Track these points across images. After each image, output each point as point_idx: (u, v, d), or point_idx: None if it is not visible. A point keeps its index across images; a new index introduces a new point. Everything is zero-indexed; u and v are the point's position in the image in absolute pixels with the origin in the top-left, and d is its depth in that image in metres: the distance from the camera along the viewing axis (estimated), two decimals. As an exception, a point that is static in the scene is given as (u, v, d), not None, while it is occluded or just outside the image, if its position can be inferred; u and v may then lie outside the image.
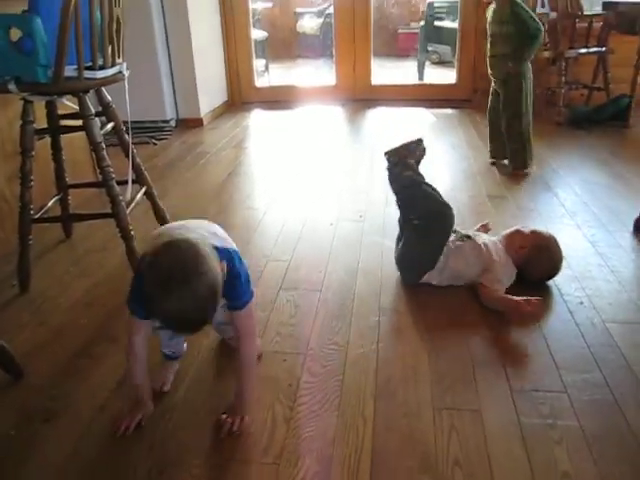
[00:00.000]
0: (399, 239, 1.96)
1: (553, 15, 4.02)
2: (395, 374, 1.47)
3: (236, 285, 1.24)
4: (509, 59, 2.78)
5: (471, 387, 1.42)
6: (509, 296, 1.72)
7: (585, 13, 4.15)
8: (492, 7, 2.83)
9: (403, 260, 1.93)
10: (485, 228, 2.12)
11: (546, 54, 3.93)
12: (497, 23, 2.79)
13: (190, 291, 1.05)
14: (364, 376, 1.46)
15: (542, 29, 2.70)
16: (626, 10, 3.79)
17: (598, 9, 4.19)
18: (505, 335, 1.63)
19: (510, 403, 1.36)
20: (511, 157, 2.97)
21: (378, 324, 1.68)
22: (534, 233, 1.92)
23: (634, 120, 3.75)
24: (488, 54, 2.90)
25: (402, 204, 1.93)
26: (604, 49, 3.94)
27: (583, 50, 3.95)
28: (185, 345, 1.53)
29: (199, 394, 1.42)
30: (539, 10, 4.00)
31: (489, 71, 2.94)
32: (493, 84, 2.96)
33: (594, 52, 3.98)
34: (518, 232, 1.93)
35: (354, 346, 1.57)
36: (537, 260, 1.86)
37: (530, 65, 2.84)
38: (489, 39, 2.88)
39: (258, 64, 5.21)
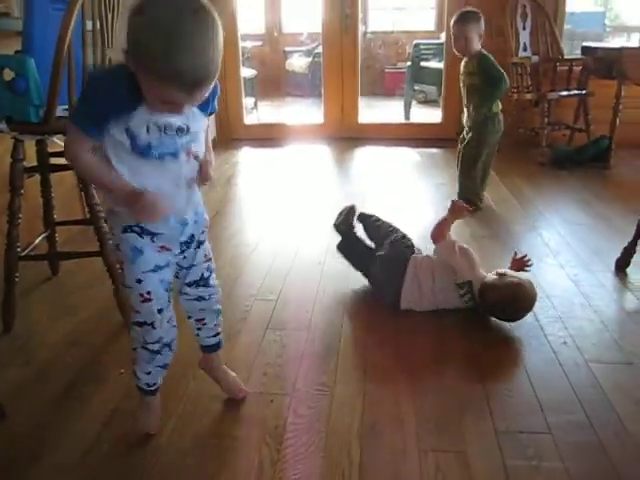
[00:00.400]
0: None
1: (535, 59, 4.16)
2: (381, 415, 1.47)
3: (216, 90, 1.18)
4: (477, 107, 2.90)
5: (456, 428, 1.42)
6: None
7: (565, 57, 4.29)
8: (464, 60, 2.97)
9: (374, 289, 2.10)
10: None
11: (529, 96, 4.04)
12: (467, 75, 2.94)
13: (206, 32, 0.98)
14: (350, 417, 1.46)
15: (505, 79, 2.81)
16: (603, 56, 3.91)
17: (578, 52, 4.33)
18: (489, 374, 1.65)
19: (495, 444, 1.36)
20: (460, 192, 3.06)
21: (364, 364, 1.68)
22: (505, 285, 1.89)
23: (614, 161, 3.84)
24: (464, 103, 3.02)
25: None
26: (584, 92, 4.06)
27: (564, 92, 4.07)
28: (163, 374, 1.45)
29: (185, 436, 1.42)
30: (522, 54, 4.14)
31: (463, 119, 3.07)
32: (464, 132, 3.06)
33: (575, 95, 4.10)
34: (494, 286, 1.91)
35: (340, 387, 1.57)
36: (502, 309, 1.90)
37: (499, 116, 2.94)
38: (462, 90, 3.01)
39: (247, 102, 5.29)
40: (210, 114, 1.25)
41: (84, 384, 1.62)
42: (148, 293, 1.27)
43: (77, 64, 1.74)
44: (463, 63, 2.98)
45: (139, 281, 1.26)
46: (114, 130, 1.10)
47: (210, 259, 1.41)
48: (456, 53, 2.97)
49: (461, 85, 3.02)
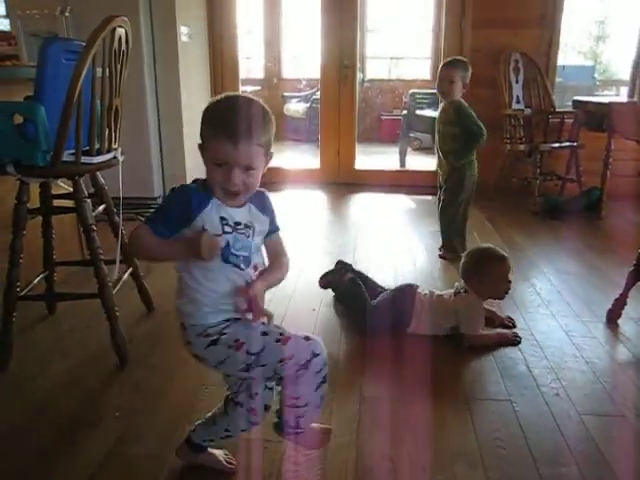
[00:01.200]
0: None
1: (528, 111, 4.28)
2: (374, 465, 1.48)
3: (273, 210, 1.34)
4: (453, 155, 2.96)
5: (448, 478, 1.43)
6: (487, 333, 2.16)
7: (557, 110, 4.41)
8: (442, 104, 3.03)
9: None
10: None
11: (522, 147, 4.14)
12: (443, 123, 2.99)
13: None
14: (344, 466, 1.46)
15: (484, 133, 2.88)
16: (593, 109, 4.03)
17: (569, 105, 4.46)
18: (482, 424, 1.65)
19: (488, 497, 1.37)
20: (443, 242, 3.14)
21: (359, 413, 1.69)
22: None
23: (606, 212, 3.91)
24: (437, 149, 3.08)
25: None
26: (575, 144, 4.17)
27: (556, 144, 4.17)
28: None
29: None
30: (515, 106, 4.26)
31: (437, 166, 3.13)
32: (440, 179, 3.13)
33: (566, 146, 4.20)
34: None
35: (335, 435, 1.57)
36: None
37: (474, 162, 3.01)
38: (437, 135, 3.06)
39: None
40: (274, 231, 1.34)
41: (77, 428, 1.61)
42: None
43: (85, 111, 1.80)
44: (441, 108, 3.03)
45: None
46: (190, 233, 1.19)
47: None
48: (438, 94, 3.03)
49: (437, 130, 3.05)
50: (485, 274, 2.17)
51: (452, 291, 2.22)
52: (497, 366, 1.97)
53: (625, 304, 2.31)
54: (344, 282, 2.35)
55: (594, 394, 1.82)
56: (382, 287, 2.41)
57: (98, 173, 2.10)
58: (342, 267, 2.47)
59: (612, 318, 2.33)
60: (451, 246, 3.08)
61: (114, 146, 2.04)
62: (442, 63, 3.06)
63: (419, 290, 2.24)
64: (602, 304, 2.39)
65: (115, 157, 2.05)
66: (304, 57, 8.19)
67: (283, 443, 1.53)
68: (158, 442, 1.55)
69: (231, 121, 1.17)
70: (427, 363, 1.98)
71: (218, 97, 1.23)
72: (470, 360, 2.02)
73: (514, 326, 2.27)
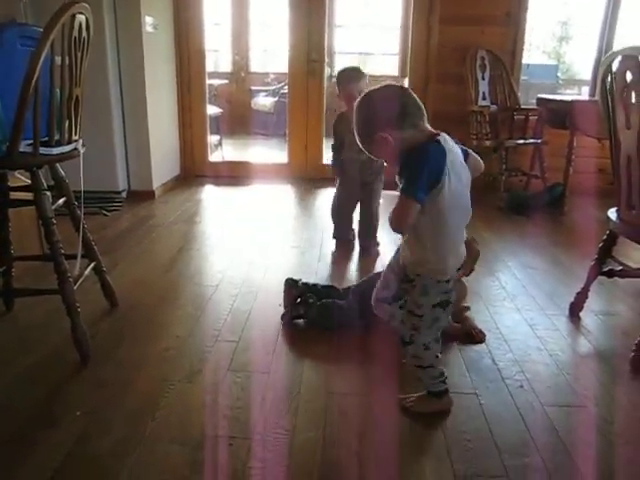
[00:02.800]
0: None
1: (494, 108, 4.32)
2: (340, 459, 1.47)
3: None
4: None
5: (415, 472, 1.43)
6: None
7: (522, 107, 4.47)
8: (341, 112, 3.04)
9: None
10: None
11: (488, 143, 4.18)
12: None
13: None
14: (311, 461, 1.45)
15: None
16: (556, 107, 4.10)
17: (534, 102, 4.53)
18: (448, 418, 1.66)
19: (454, 490, 1.37)
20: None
21: (325, 408, 1.68)
22: None
23: (569, 207, 3.99)
24: None
25: None
26: (539, 141, 4.23)
27: (521, 141, 4.23)
28: None
29: (140, 481, 1.38)
30: (481, 103, 4.31)
31: None
32: None
33: (531, 143, 4.27)
34: None
35: (301, 430, 1.57)
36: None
37: None
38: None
39: (212, 139, 5.32)
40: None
41: (36, 428, 1.56)
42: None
43: (44, 100, 1.75)
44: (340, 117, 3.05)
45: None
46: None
47: None
48: (344, 103, 2.96)
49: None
50: None
51: None
52: (463, 359, 1.99)
53: (587, 297, 2.35)
54: (311, 314, 2.19)
55: (557, 386, 1.84)
56: (333, 287, 2.36)
57: (58, 165, 2.04)
58: (295, 293, 2.26)
59: (575, 311, 2.37)
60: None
61: (75, 137, 1.98)
62: (343, 72, 3.01)
63: None
64: (565, 297, 2.43)
65: (76, 149, 1.99)
66: (272, 51, 8.13)
67: (248, 440, 1.52)
68: (120, 440, 1.51)
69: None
70: (394, 358, 1.98)
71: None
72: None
73: (481, 341, 2.13)
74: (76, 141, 1.99)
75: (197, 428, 1.57)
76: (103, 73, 3.79)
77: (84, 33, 1.91)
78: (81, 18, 1.85)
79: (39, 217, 1.90)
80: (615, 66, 1.92)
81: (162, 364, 1.90)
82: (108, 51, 3.80)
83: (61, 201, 2.07)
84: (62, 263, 1.87)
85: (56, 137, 1.87)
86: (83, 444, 1.49)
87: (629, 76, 1.84)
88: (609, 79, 1.96)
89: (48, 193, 1.91)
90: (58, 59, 1.78)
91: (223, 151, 5.87)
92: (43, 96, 1.73)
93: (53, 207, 1.93)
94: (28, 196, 1.92)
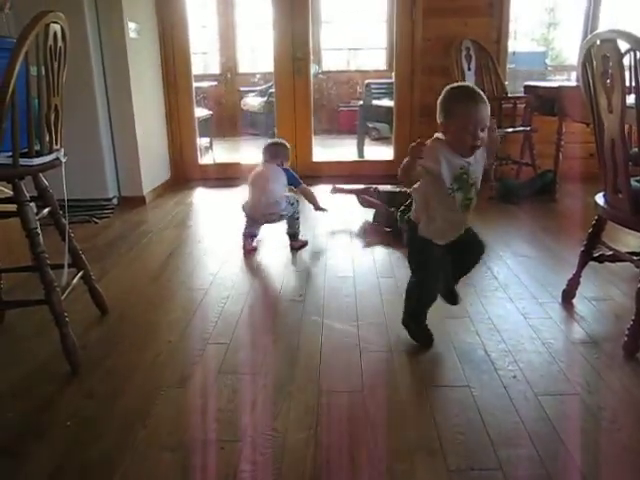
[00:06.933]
0: None
1: (481, 97, 4.30)
2: (333, 459, 1.46)
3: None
4: None
5: (409, 469, 1.42)
6: None
7: (510, 95, 4.46)
8: None
9: None
10: None
11: (476, 133, 4.16)
12: None
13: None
14: (302, 462, 1.44)
15: None
16: (544, 94, 4.09)
17: (522, 90, 4.52)
18: (441, 411, 1.65)
19: (447, 484, 1.37)
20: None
21: (317, 408, 1.67)
22: None
23: (560, 194, 3.98)
24: None
25: None
26: (528, 128, 4.22)
27: (510, 129, 4.22)
28: None
29: None
30: (467, 93, 4.28)
31: None
32: None
33: (520, 131, 4.25)
34: None
35: (293, 431, 1.56)
36: None
37: None
38: None
39: (202, 142, 5.31)
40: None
41: (26, 440, 1.55)
42: None
43: (21, 111, 1.73)
44: None
45: None
46: None
47: None
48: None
49: None
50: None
51: None
52: (455, 352, 1.98)
53: (579, 284, 2.35)
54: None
55: (550, 374, 1.84)
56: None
57: (41, 175, 2.03)
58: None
59: (567, 298, 2.36)
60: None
61: (56, 147, 1.97)
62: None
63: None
64: (558, 285, 2.43)
65: (57, 158, 1.97)
66: (260, 51, 8.11)
67: (239, 443, 1.51)
68: (110, 450, 1.50)
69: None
70: (384, 353, 1.98)
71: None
72: (428, 347, 2.02)
73: None
74: (57, 150, 1.98)
75: (188, 433, 1.57)
76: (88, 81, 3.77)
77: (60, 42, 1.90)
78: (56, 27, 1.84)
79: (23, 228, 1.88)
80: (594, 50, 1.91)
81: (153, 370, 1.90)
82: (92, 59, 3.78)
83: (46, 211, 2.06)
84: (48, 273, 1.86)
85: (36, 147, 1.86)
86: (73, 455, 1.48)
87: (608, 59, 1.83)
88: (589, 64, 1.95)
89: (32, 204, 1.90)
90: (34, 69, 1.77)
91: (214, 153, 5.86)
92: (21, 107, 1.72)
93: (38, 217, 1.92)
94: (13, 208, 1.91)
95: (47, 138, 1.89)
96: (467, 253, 2.06)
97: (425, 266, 1.98)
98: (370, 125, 6.71)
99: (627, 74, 1.79)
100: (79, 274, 2.16)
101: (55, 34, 1.84)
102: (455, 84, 1.83)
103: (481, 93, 1.76)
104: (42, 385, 1.82)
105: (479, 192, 1.97)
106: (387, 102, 5.84)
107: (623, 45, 1.77)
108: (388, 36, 7.72)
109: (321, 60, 8.23)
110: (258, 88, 7.80)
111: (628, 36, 1.73)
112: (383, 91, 6.20)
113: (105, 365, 1.94)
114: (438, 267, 1.98)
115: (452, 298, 2.12)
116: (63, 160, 2.00)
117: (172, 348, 2.04)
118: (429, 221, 1.91)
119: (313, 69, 5.26)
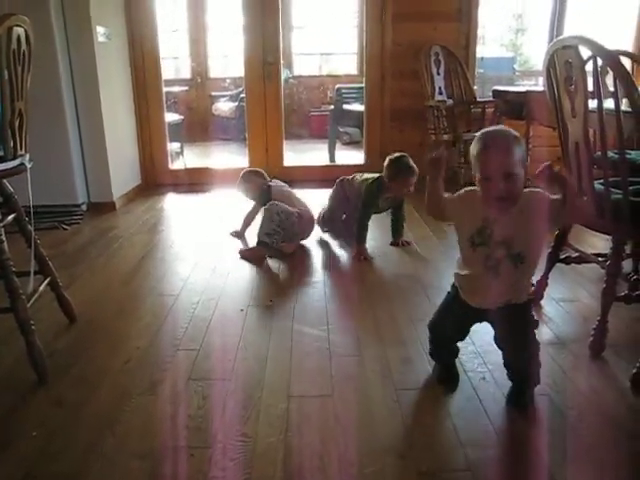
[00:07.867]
0: None
1: (450, 102, 4.35)
2: (304, 463, 1.46)
3: None
4: None
5: (379, 473, 1.42)
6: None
7: (478, 100, 4.52)
8: None
9: None
10: None
11: (446, 137, 4.22)
12: None
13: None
14: (272, 467, 1.43)
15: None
16: (512, 98, 4.16)
17: (490, 95, 4.58)
18: (411, 414, 1.66)
19: (417, 486, 1.37)
20: None
21: (287, 412, 1.67)
22: None
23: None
24: None
25: None
26: (497, 133, 4.27)
27: (478, 133, 4.26)
28: None
29: None
30: (437, 97, 4.34)
31: None
32: None
33: (489, 135, 4.30)
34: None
35: (263, 436, 1.55)
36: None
37: None
38: None
39: (173, 147, 5.26)
40: None
41: (-9, 451, 1.52)
42: None
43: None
44: None
45: None
46: None
47: None
48: None
49: None
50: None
51: None
52: (425, 355, 1.98)
53: (547, 285, 2.38)
54: None
55: (519, 375, 1.86)
56: None
57: (5, 181, 1.99)
58: None
59: (535, 300, 2.39)
60: None
61: (20, 152, 1.93)
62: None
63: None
64: (525, 286, 2.46)
65: (22, 164, 1.94)
66: (231, 55, 8.09)
67: (209, 449, 1.50)
68: (79, 459, 1.48)
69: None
70: (355, 358, 1.98)
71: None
72: (398, 350, 2.03)
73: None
74: (22, 156, 1.94)
75: (158, 440, 1.55)
76: (56, 85, 3.70)
77: (24, 46, 1.87)
78: (19, 31, 1.81)
79: (-11, 235, 1.85)
80: (558, 56, 1.94)
81: (122, 377, 1.87)
82: (60, 63, 3.71)
83: (11, 217, 2.02)
84: (13, 280, 1.82)
85: (0, 153, 1.82)
86: (40, 465, 1.46)
87: (571, 65, 1.87)
88: (553, 69, 1.99)
89: (-4, 210, 1.86)
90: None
91: (185, 158, 5.82)
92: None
93: (3, 224, 1.89)
94: (-24, 215, 1.88)
95: (11, 143, 1.86)
96: (503, 342, 1.74)
97: (439, 309, 1.83)
98: (341, 129, 6.74)
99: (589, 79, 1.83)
100: (46, 281, 2.12)
101: (19, 37, 1.81)
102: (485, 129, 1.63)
103: (505, 137, 1.55)
104: (7, 395, 1.78)
105: (522, 266, 1.57)
106: (358, 107, 5.86)
107: (585, 51, 1.81)
108: (359, 41, 7.77)
109: (292, 65, 8.24)
110: (229, 93, 7.77)
111: (589, 42, 1.77)
112: (354, 95, 6.22)
113: (73, 372, 1.91)
114: (450, 321, 1.78)
115: (446, 373, 1.86)
116: (28, 166, 1.96)
117: (141, 354, 2.01)
118: (460, 266, 1.71)
119: (284, 74, 5.27)
